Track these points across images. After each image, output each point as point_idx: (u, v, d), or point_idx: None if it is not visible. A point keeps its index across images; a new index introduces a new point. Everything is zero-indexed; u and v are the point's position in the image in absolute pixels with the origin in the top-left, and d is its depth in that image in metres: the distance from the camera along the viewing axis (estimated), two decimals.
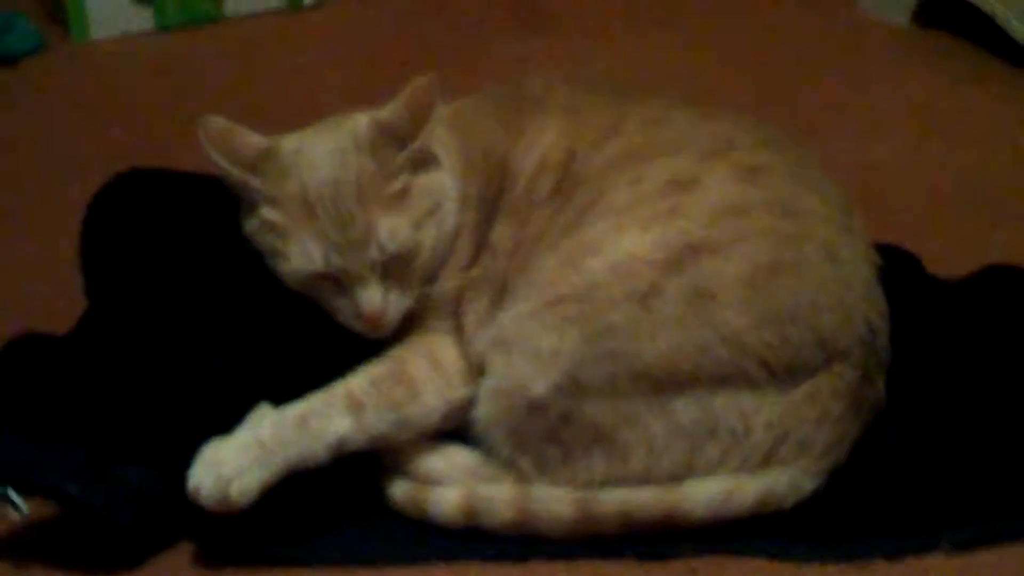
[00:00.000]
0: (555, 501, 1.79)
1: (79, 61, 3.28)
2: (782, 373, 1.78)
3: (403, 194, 1.86)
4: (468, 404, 1.86)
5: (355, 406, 1.81)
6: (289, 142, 1.90)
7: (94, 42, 3.35)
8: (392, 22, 3.47)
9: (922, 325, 2.07)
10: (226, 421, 1.80)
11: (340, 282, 1.85)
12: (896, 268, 2.07)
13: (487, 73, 3.08)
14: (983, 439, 1.91)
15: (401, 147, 1.86)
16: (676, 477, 1.79)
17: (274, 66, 3.26)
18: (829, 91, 3.07)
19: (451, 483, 1.83)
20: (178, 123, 2.26)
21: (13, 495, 1.77)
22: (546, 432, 1.79)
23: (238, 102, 3.01)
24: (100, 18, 3.35)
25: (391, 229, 1.84)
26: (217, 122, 1.87)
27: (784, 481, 1.80)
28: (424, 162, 1.89)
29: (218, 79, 3.17)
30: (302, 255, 1.84)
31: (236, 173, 1.85)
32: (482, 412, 1.83)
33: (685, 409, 1.77)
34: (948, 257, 2.32)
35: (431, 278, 1.91)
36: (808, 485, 1.81)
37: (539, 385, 1.77)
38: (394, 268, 1.86)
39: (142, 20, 3.39)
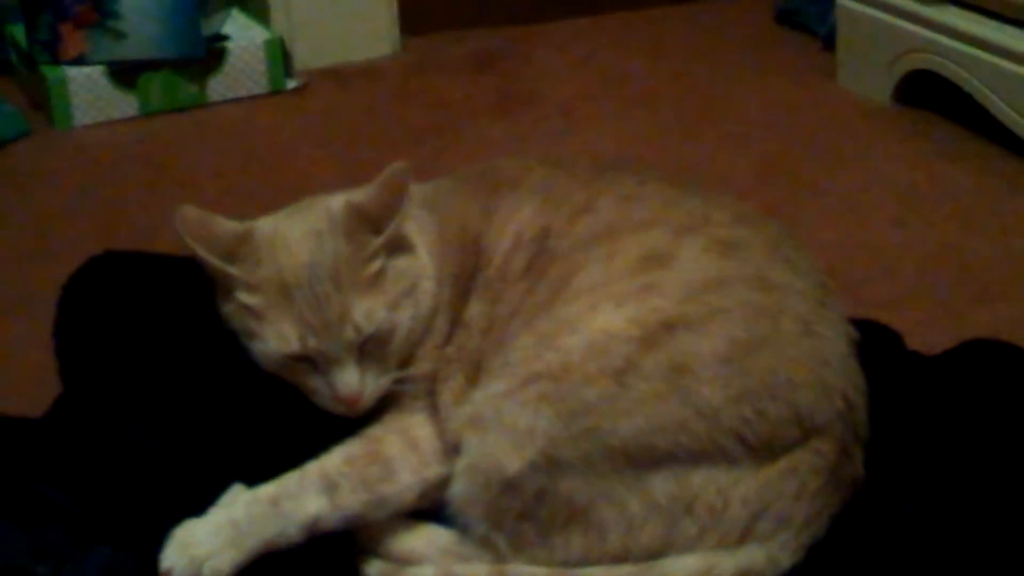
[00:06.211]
0: None
1: (62, 147, 3.29)
2: (759, 448, 1.77)
3: (379, 276, 1.86)
4: (443, 482, 1.84)
5: (329, 485, 1.80)
6: (265, 225, 1.91)
7: (78, 129, 3.35)
8: (372, 104, 3.49)
9: (901, 400, 2.07)
10: (199, 501, 1.79)
11: (316, 363, 1.85)
12: (876, 343, 2.06)
13: (465, 154, 3.10)
14: (963, 515, 1.89)
15: (376, 232, 1.86)
16: (654, 554, 1.77)
17: (256, 149, 3.27)
18: (808, 168, 3.08)
19: (427, 563, 1.82)
20: (163, 206, 2.26)
21: None
22: (522, 510, 1.78)
23: (221, 185, 3.03)
24: (83, 104, 3.36)
25: (367, 311, 1.83)
26: (193, 212, 1.88)
27: (762, 557, 1.78)
28: (399, 245, 1.89)
29: (201, 163, 3.18)
30: (278, 337, 1.83)
31: (214, 261, 1.86)
32: (457, 490, 1.81)
33: (662, 486, 1.76)
34: (929, 334, 2.32)
35: (408, 358, 1.91)
36: (786, 561, 1.79)
37: (514, 463, 1.76)
38: (371, 349, 1.85)
39: (126, 106, 3.41)
